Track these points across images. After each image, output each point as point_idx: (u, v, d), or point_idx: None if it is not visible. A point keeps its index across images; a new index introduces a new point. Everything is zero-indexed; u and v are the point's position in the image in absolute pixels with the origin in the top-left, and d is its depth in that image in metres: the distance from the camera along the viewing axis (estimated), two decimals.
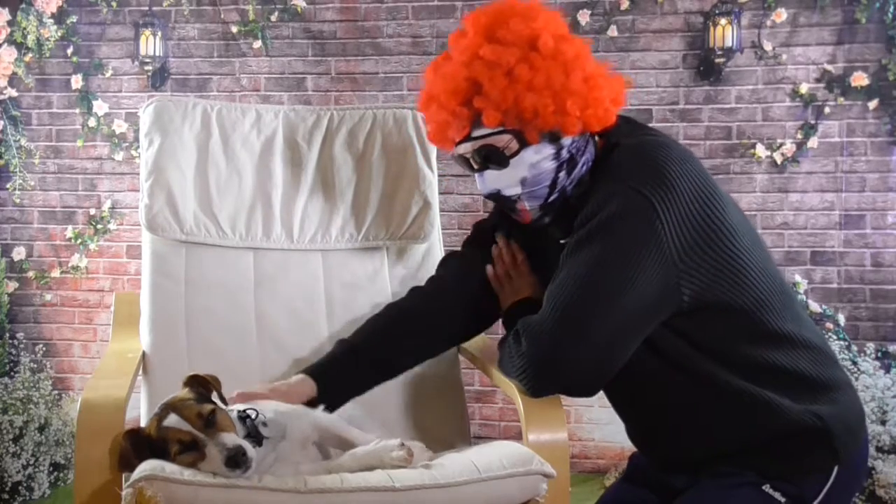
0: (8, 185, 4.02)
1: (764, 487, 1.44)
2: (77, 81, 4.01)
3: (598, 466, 3.78)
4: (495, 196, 1.57)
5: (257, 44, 3.95)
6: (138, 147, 3.79)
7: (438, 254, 2.11)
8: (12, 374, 3.80)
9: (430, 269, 2.06)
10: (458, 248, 1.86)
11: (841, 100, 3.67)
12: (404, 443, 1.46)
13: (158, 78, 3.99)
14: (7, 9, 3.90)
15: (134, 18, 3.98)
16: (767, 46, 3.71)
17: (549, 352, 1.44)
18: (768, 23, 3.71)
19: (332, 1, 3.95)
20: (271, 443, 1.43)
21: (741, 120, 3.76)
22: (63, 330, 4.06)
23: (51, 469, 3.43)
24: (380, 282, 2.06)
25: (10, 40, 3.93)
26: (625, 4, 3.77)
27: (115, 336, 1.92)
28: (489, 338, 1.91)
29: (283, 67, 3.98)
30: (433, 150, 2.12)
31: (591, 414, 3.77)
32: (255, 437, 1.41)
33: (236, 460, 1.31)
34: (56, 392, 3.71)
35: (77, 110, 4.03)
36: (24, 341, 3.96)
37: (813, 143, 3.68)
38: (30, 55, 3.96)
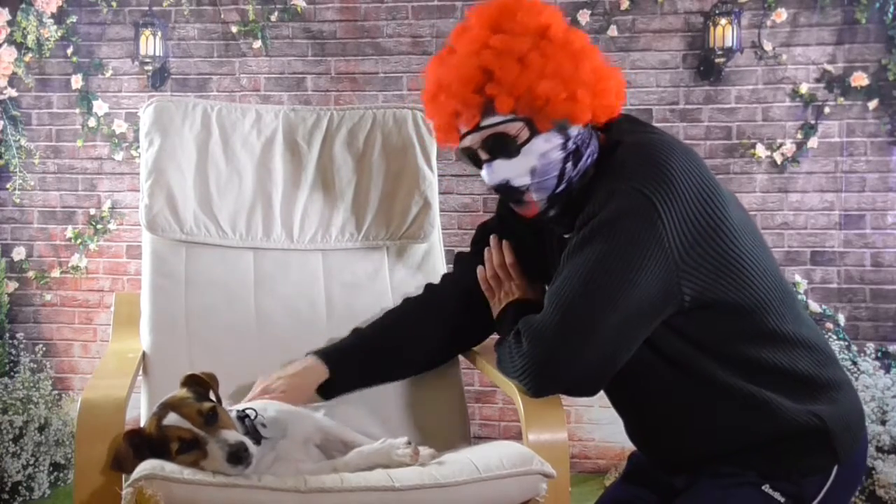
0: (8, 185, 4.02)
1: (763, 487, 1.44)
2: (77, 81, 4.01)
3: (598, 466, 3.78)
4: (504, 187, 1.55)
5: (257, 44, 3.95)
6: (138, 147, 3.80)
7: (439, 254, 2.11)
8: (12, 374, 3.80)
9: (431, 269, 2.07)
10: (460, 248, 1.87)
11: (841, 100, 3.67)
12: (410, 441, 1.46)
13: (158, 78, 3.99)
14: (7, 9, 3.91)
15: (134, 18, 3.99)
16: (767, 46, 3.71)
17: (549, 352, 1.44)
18: (768, 23, 3.71)
19: (332, 1, 3.96)
20: (271, 442, 1.43)
21: (741, 120, 3.76)
22: (63, 330, 4.06)
23: (51, 469, 3.43)
24: (380, 282, 2.06)
25: (10, 40, 3.93)
26: (625, 4, 3.77)
27: (115, 336, 1.92)
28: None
29: (283, 67, 3.98)
30: (433, 150, 2.12)
31: (591, 414, 3.77)
32: (254, 436, 1.41)
33: (238, 456, 1.31)
34: (56, 392, 3.72)
35: (77, 110, 4.04)
36: (24, 341, 3.96)
37: (813, 143, 3.68)
38: (30, 55, 3.96)
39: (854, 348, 3.58)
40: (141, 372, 1.79)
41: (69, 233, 4.04)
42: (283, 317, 1.97)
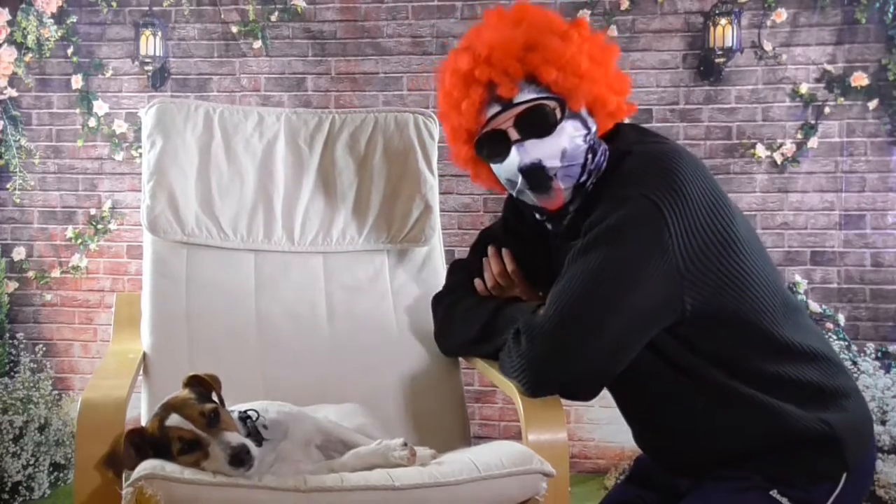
0: (8, 185, 4.02)
1: (772, 493, 1.43)
2: (77, 81, 4.01)
3: (598, 466, 3.78)
4: (535, 169, 1.51)
5: (257, 44, 3.95)
6: (138, 147, 3.80)
7: (439, 257, 2.11)
8: (12, 374, 3.81)
9: (431, 273, 2.07)
10: (460, 248, 1.86)
11: (841, 100, 3.67)
12: (407, 443, 1.46)
13: (158, 78, 3.99)
14: (7, 9, 3.91)
15: (134, 18, 3.99)
16: (767, 46, 3.71)
17: (548, 352, 1.44)
18: (768, 23, 3.72)
19: (332, 1, 3.96)
20: (272, 443, 1.43)
21: (741, 120, 3.76)
22: (63, 330, 4.06)
23: (51, 469, 3.43)
24: (380, 285, 2.07)
25: (10, 40, 3.93)
26: (625, 4, 3.78)
27: (115, 336, 1.92)
28: None
29: (283, 67, 3.98)
30: (434, 154, 2.13)
31: (591, 414, 3.77)
32: (256, 437, 1.41)
33: (240, 458, 1.31)
34: (56, 392, 3.72)
35: (77, 110, 4.04)
36: (24, 341, 3.96)
37: (813, 143, 3.69)
38: (30, 55, 3.96)
39: (854, 348, 3.58)
40: (141, 372, 1.80)
41: (69, 233, 4.04)
42: (283, 319, 1.97)
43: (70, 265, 4.03)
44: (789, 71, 3.73)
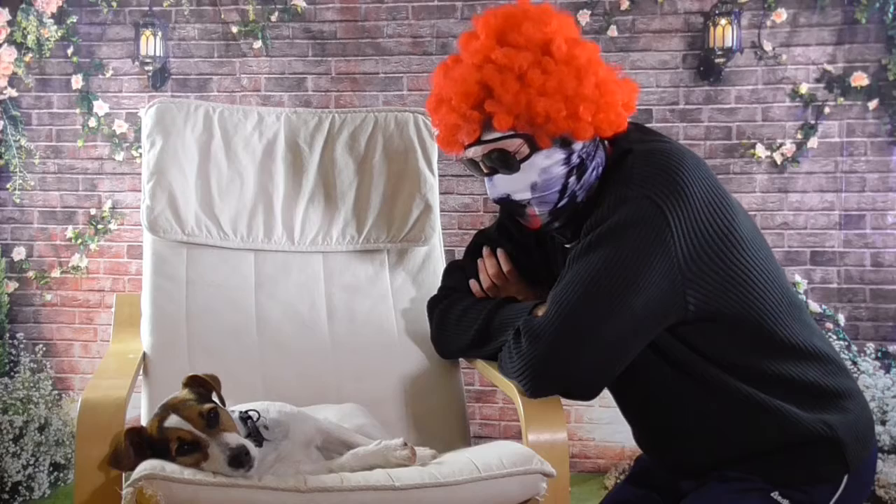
0: (8, 185, 4.02)
1: (773, 494, 1.43)
2: (77, 81, 4.01)
3: (598, 466, 3.78)
4: (505, 201, 1.56)
5: (257, 44, 3.95)
6: (139, 147, 3.80)
7: (439, 256, 2.11)
8: (12, 374, 3.81)
9: (431, 272, 2.07)
10: (460, 248, 1.86)
11: (841, 100, 3.67)
12: (407, 443, 1.46)
13: (159, 78, 3.99)
14: (7, 9, 3.91)
15: (134, 18, 3.99)
16: (767, 46, 3.71)
17: (548, 353, 1.44)
18: (768, 23, 3.72)
19: (332, 1, 3.96)
20: (273, 444, 1.43)
21: (741, 120, 3.76)
22: (63, 330, 4.06)
23: (51, 469, 3.43)
24: (380, 284, 2.06)
25: (10, 40, 3.93)
26: (625, 4, 3.78)
27: (115, 336, 1.92)
28: None
29: (284, 67, 3.98)
30: (434, 153, 2.13)
31: (591, 414, 3.77)
32: (256, 437, 1.41)
33: (239, 459, 1.31)
34: (56, 392, 3.72)
35: (77, 110, 4.04)
36: (24, 341, 3.96)
37: (813, 143, 3.69)
38: (30, 55, 3.96)
39: (854, 348, 3.58)
40: (141, 372, 1.80)
41: (69, 233, 4.04)
42: (283, 318, 1.97)
43: (70, 265, 4.03)
44: (789, 71, 3.73)
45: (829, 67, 3.69)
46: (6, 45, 3.93)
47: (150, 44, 3.89)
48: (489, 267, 1.73)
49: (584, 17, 3.78)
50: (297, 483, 1.33)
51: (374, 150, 2.11)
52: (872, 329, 3.69)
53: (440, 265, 2.09)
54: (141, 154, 2.16)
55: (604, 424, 3.73)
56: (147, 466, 1.29)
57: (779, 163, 3.72)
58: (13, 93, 4.01)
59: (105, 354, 1.85)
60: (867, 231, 3.69)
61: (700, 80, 3.77)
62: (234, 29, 3.96)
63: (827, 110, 3.69)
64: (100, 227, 4.01)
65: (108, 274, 4.04)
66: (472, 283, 1.76)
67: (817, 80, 3.71)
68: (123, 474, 1.37)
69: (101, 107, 4.00)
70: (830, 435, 1.42)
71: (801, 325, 1.48)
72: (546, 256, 1.70)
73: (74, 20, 3.98)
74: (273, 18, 3.95)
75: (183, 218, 1.97)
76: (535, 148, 1.49)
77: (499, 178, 1.53)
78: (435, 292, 1.86)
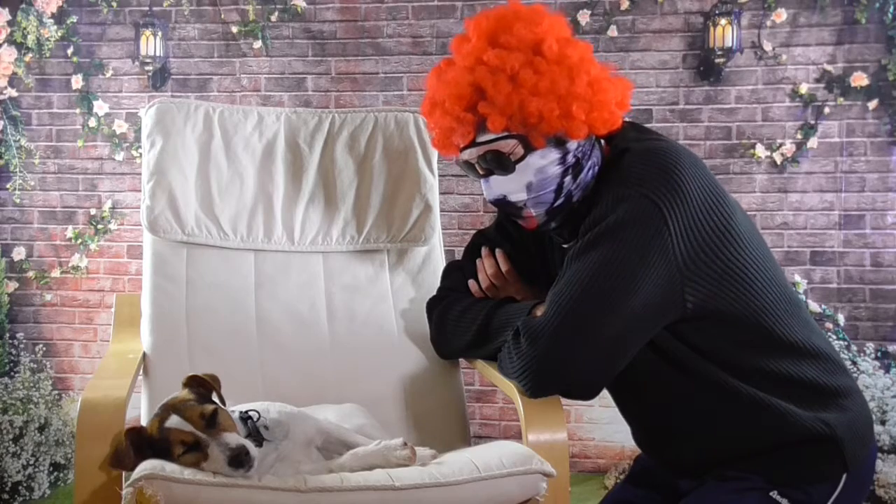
0: (8, 185, 4.02)
1: (772, 494, 1.43)
2: (77, 81, 4.01)
3: (598, 466, 3.78)
4: (501, 202, 1.56)
5: (257, 44, 3.95)
6: (139, 147, 3.80)
7: (439, 256, 2.11)
8: (12, 374, 3.81)
9: (431, 273, 2.07)
10: (460, 248, 1.86)
11: (841, 100, 3.68)
12: (406, 443, 1.46)
13: (159, 78, 3.99)
14: (7, 9, 3.91)
15: (134, 18, 3.99)
16: (767, 46, 3.71)
17: (548, 352, 1.44)
18: (768, 23, 3.72)
19: (332, 1, 3.96)
20: (273, 444, 1.43)
21: (741, 120, 3.76)
22: (63, 330, 4.06)
23: (51, 469, 3.43)
24: (380, 284, 2.07)
25: (10, 40, 3.93)
26: (625, 4, 3.78)
27: (115, 336, 1.92)
28: None
29: (284, 67, 3.98)
30: (434, 153, 2.12)
31: (591, 414, 3.77)
32: (256, 438, 1.41)
33: (239, 460, 1.31)
34: (56, 392, 3.72)
35: (77, 110, 4.04)
36: (24, 341, 3.96)
37: (813, 143, 3.69)
38: (30, 55, 3.96)
39: (854, 348, 3.59)
40: (141, 372, 1.80)
41: (69, 233, 4.04)
42: (283, 318, 1.97)
43: (70, 265, 4.03)
44: (789, 71, 3.73)
45: (829, 67, 3.69)
46: (6, 45, 3.93)
47: (150, 44, 3.89)
48: (488, 267, 1.73)
49: (584, 17, 3.78)
50: (297, 483, 1.33)
51: (374, 150, 2.11)
52: (872, 329, 3.69)
53: (440, 265, 2.09)
54: (141, 154, 2.16)
55: (604, 424, 3.73)
56: (147, 466, 1.29)
57: (779, 163, 3.72)
58: (13, 93, 4.01)
59: (105, 354, 1.85)
60: (867, 231, 3.69)
61: (700, 80, 3.78)
62: (234, 29, 3.96)
63: (827, 110, 3.69)
64: (100, 227, 4.01)
65: (108, 274, 4.04)
66: (471, 283, 1.76)
67: (817, 80, 3.71)
68: (123, 474, 1.37)
69: (101, 107, 4.00)
70: (829, 434, 1.42)
71: (800, 322, 1.48)
72: (544, 256, 1.70)
73: (74, 20, 3.98)
74: (273, 18, 3.96)
75: (183, 218, 1.97)
76: (529, 148, 1.49)
77: (494, 179, 1.53)
78: (435, 292, 1.86)
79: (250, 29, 3.95)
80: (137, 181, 3.82)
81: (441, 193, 2.18)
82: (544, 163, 1.50)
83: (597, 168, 1.54)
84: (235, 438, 1.34)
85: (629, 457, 3.60)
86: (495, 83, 1.46)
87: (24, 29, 3.89)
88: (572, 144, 1.51)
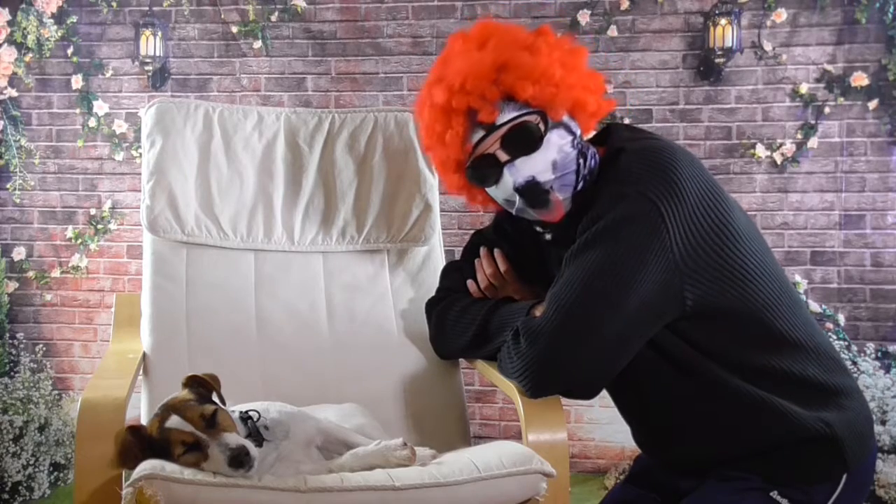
0: (8, 185, 4.02)
1: (772, 494, 1.43)
2: (77, 81, 4.01)
3: (598, 466, 3.78)
4: (530, 186, 1.50)
5: (257, 44, 3.95)
6: (139, 147, 3.80)
7: (439, 256, 2.11)
8: (12, 374, 3.81)
9: (431, 272, 2.07)
10: (460, 248, 1.86)
11: (841, 100, 3.67)
12: (406, 443, 1.46)
13: (159, 78, 3.99)
14: (7, 9, 3.91)
15: (134, 18, 3.99)
16: (767, 46, 3.71)
17: (548, 352, 1.44)
18: (768, 23, 3.72)
19: (332, 1, 3.96)
20: (273, 444, 1.43)
21: (741, 120, 3.76)
22: (63, 330, 4.06)
23: (51, 469, 3.43)
24: (380, 284, 2.07)
25: (10, 40, 3.93)
26: (625, 4, 3.78)
27: (115, 336, 1.93)
28: None
29: (284, 67, 3.98)
30: None
31: (591, 414, 3.77)
32: (256, 438, 1.41)
33: (239, 460, 1.31)
34: (56, 392, 3.72)
35: (77, 110, 4.04)
36: (24, 341, 3.96)
37: (813, 143, 3.69)
38: (30, 55, 3.96)
39: (854, 348, 3.58)
40: (141, 372, 1.80)
41: (69, 233, 4.04)
42: (283, 318, 1.97)
43: (70, 265, 4.03)
44: (789, 71, 3.73)
45: (829, 67, 3.69)
46: (6, 45, 3.93)
47: (150, 44, 3.89)
48: (486, 267, 1.73)
49: (584, 17, 3.78)
50: (296, 483, 1.33)
51: (374, 150, 2.11)
52: (872, 329, 3.69)
53: (440, 265, 2.09)
54: (141, 154, 2.16)
55: (604, 424, 3.73)
56: (147, 466, 1.29)
57: (779, 163, 3.72)
58: (13, 93, 4.01)
59: (105, 354, 1.85)
60: (867, 231, 3.69)
61: (700, 80, 3.78)
62: (234, 29, 3.96)
63: (827, 110, 3.69)
64: (100, 227, 4.01)
65: (108, 274, 4.04)
66: (470, 283, 1.76)
67: (817, 80, 3.71)
68: (123, 474, 1.37)
69: (101, 107, 4.00)
70: (829, 433, 1.42)
71: (800, 320, 1.48)
72: (543, 256, 1.70)
73: (74, 20, 3.98)
74: (273, 18, 3.96)
75: (183, 218, 1.97)
76: (549, 124, 1.49)
77: (520, 161, 1.50)
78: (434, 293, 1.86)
79: (250, 29, 3.95)
80: (137, 181, 3.82)
81: (441, 193, 2.17)
82: (562, 142, 1.50)
83: (595, 162, 1.54)
84: (235, 438, 1.34)
85: (629, 457, 3.60)
86: (514, 55, 1.48)
87: (24, 29, 3.89)
88: (577, 130, 1.53)
